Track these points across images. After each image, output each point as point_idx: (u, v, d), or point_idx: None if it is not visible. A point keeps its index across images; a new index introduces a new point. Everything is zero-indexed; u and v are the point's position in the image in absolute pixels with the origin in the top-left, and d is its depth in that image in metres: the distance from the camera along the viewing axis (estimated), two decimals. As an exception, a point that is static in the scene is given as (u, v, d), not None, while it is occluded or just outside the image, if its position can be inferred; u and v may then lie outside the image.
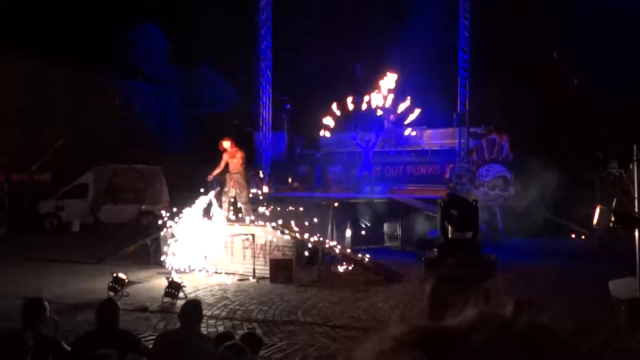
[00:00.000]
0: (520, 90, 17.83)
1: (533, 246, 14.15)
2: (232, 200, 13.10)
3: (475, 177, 18.62)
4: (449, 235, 7.83)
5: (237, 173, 12.93)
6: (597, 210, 15.14)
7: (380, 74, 18.88)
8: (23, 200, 21.91)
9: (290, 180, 20.11)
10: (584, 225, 16.12)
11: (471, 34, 17.62)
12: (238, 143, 13.41)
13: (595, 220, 15.09)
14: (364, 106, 18.77)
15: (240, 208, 13.16)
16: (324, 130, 19.02)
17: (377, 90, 18.69)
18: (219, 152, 13.14)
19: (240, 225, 12.64)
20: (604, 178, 16.20)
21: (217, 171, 13.08)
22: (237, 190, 12.93)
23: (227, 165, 12.97)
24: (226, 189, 12.96)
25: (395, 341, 0.52)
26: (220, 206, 12.84)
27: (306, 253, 12.52)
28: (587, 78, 19.15)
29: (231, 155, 12.93)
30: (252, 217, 12.72)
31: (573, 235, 16.66)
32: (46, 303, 4.46)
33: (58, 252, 14.43)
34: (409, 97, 18.37)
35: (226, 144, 12.96)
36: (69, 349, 4.30)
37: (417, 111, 18.57)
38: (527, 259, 12.52)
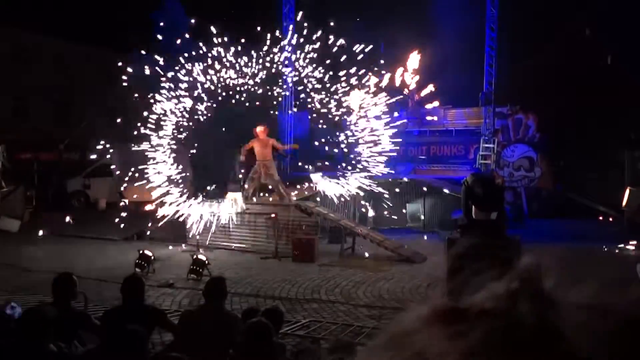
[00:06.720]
0: (549, 69, 17.33)
1: (559, 228, 13.90)
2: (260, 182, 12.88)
3: (500, 158, 18.34)
4: (473, 216, 7.71)
5: (267, 160, 12.54)
6: (627, 192, 14.78)
7: (405, 53, 18.54)
8: (51, 179, 22.37)
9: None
10: (612, 207, 15.78)
11: (499, 11, 17.15)
12: (264, 122, 12.92)
13: (624, 202, 14.77)
14: (387, 84, 18.46)
15: (270, 188, 13.00)
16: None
17: (401, 70, 18.39)
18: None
19: (262, 204, 12.71)
20: (634, 159, 15.81)
21: (243, 157, 12.77)
22: (269, 178, 12.58)
23: (253, 150, 12.53)
24: (255, 175, 12.61)
25: (418, 320, 0.50)
26: (247, 190, 12.85)
27: (329, 233, 12.57)
28: (620, 56, 18.53)
29: (263, 143, 12.46)
30: (290, 198, 12.66)
31: (601, 217, 16.33)
32: (76, 278, 4.57)
33: (85, 229, 14.75)
34: (431, 85, 18.07)
35: (259, 128, 12.47)
36: (98, 323, 4.41)
37: (435, 103, 18.26)
38: (552, 240, 12.34)
